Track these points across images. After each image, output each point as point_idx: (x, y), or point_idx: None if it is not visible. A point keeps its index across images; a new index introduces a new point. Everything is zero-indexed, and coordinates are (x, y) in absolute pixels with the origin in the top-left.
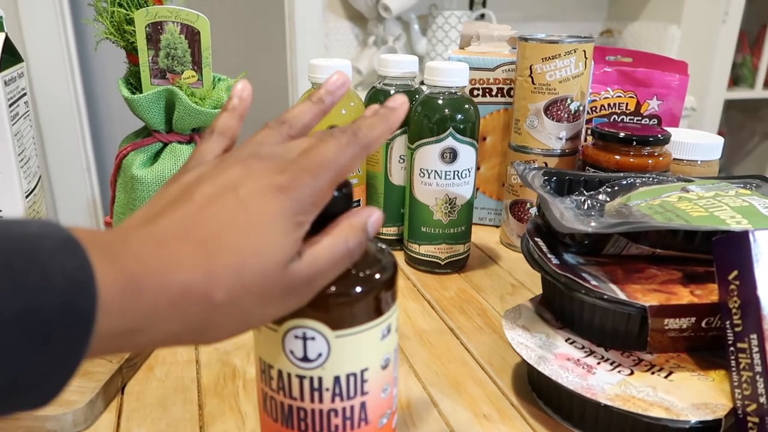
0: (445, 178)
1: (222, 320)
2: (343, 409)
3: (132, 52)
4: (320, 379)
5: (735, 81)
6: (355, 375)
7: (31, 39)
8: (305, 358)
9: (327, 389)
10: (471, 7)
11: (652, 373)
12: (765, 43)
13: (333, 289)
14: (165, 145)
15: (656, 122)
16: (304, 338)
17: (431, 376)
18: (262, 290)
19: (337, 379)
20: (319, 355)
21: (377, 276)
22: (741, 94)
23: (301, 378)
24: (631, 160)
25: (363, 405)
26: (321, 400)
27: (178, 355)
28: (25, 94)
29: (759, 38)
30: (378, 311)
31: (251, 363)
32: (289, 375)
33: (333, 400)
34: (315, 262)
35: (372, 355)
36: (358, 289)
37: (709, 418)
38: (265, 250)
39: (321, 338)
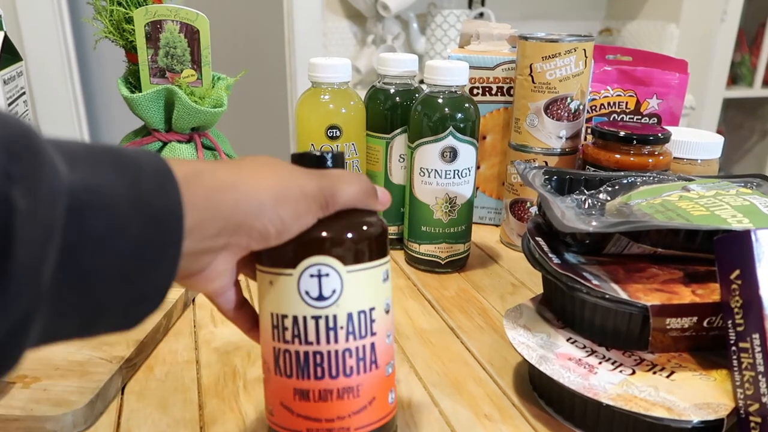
0: (445, 177)
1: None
2: (356, 349)
3: (131, 51)
4: (335, 317)
5: (734, 80)
6: (364, 313)
7: (29, 38)
8: (320, 297)
9: (341, 327)
10: (470, 5)
11: (654, 372)
12: (763, 41)
13: (344, 228)
14: (164, 144)
15: (656, 121)
16: (319, 275)
17: (432, 375)
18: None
19: (350, 317)
20: (333, 291)
21: (376, 223)
22: (740, 92)
23: (316, 319)
24: (632, 159)
25: (373, 346)
26: (336, 340)
27: (178, 355)
28: (24, 93)
29: (757, 37)
30: (379, 253)
31: (251, 363)
32: (304, 318)
33: (347, 339)
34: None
35: (377, 295)
36: (364, 228)
37: (712, 417)
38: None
39: (334, 274)
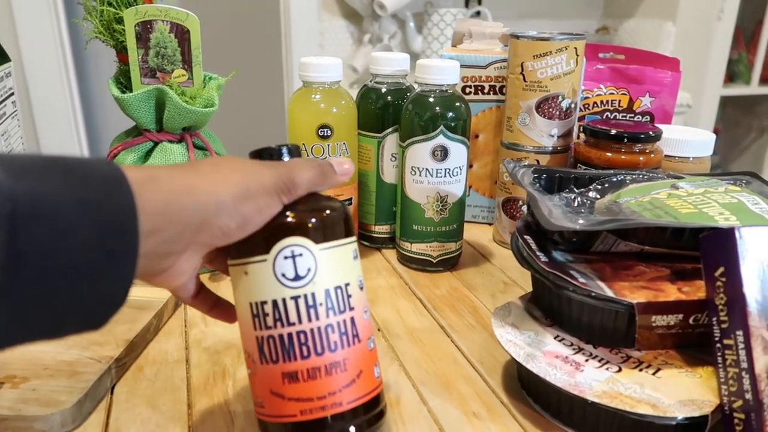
0: (437, 176)
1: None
2: (338, 324)
3: (122, 51)
4: (313, 295)
5: (731, 77)
6: (341, 288)
7: (25, 38)
8: (297, 276)
9: (321, 304)
10: (467, 4)
11: (640, 370)
12: (760, 39)
13: (311, 209)
14: (155, 144)
15: (649, 119)
16: (293, 256)
17: (421, 374)
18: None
19: (327, 293)
20: (308, 269)
21: (339, 205)
22: (737, 90)
23: (296, 299)
24: (623, 157)
25: (353, 320)
26: (317, 317)
27: (168, 354)
28: (12, 93)
29: (754, 35)
30: (346, 232)
31: (241, 362)
32: (284, 301)
33: (328, 315)
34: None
35: (350, 271)
36: (329, 210)
37: (696, 414)
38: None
39: (307, 253)
